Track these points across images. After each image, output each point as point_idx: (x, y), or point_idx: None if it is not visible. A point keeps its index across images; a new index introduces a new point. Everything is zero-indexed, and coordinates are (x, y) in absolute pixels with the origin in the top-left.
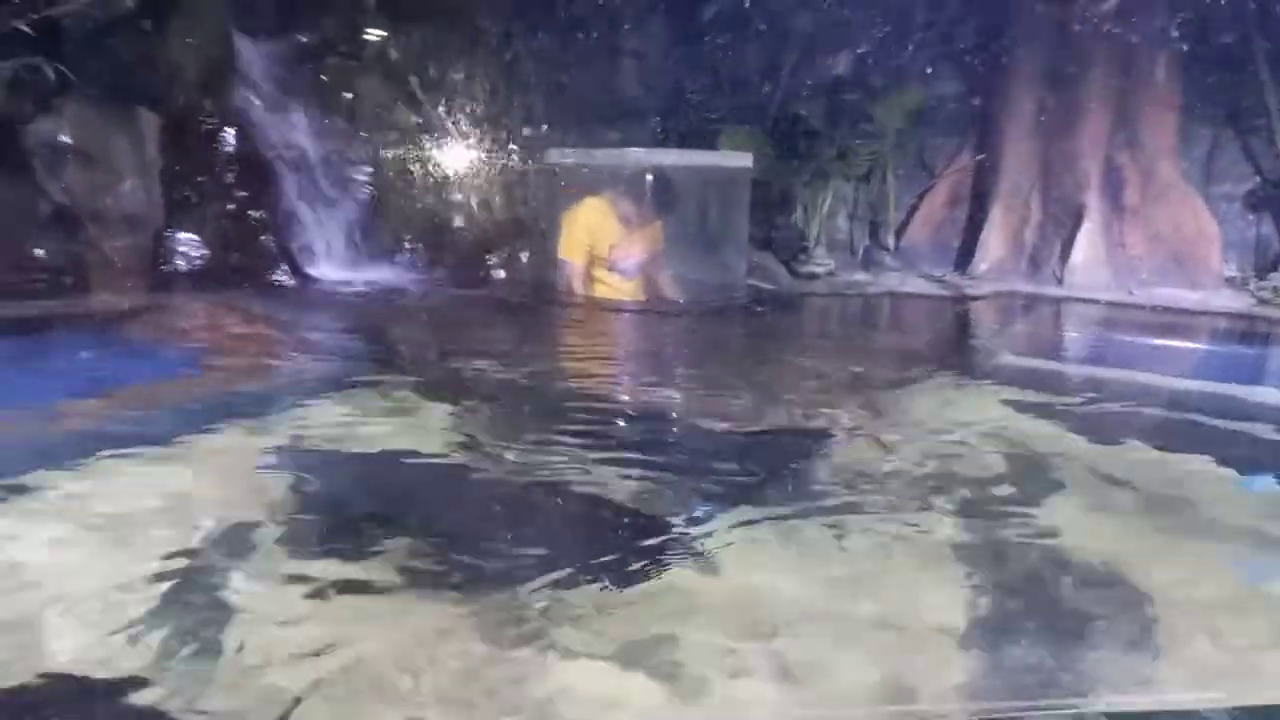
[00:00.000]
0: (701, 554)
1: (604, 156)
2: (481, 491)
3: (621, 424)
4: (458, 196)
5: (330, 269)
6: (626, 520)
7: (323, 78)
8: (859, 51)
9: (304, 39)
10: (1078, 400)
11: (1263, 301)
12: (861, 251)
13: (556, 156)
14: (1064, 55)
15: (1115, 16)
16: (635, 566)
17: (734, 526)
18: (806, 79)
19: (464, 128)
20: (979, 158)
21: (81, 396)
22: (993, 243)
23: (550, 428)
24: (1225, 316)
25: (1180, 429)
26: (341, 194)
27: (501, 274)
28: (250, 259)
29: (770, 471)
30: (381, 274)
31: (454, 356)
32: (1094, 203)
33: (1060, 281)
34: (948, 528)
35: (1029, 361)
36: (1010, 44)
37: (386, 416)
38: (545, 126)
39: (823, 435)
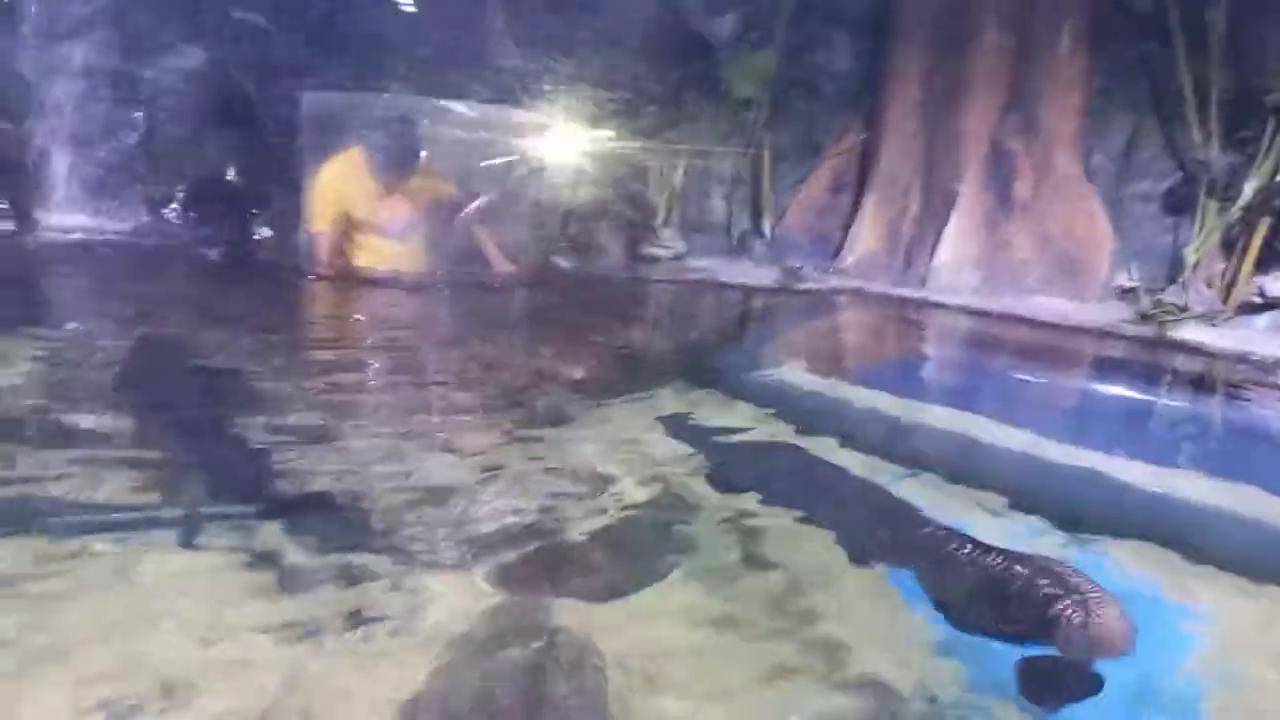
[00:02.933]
0: None
1: (362, 101)
2: None
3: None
4: (236, 146)
5: (71, 216)
6: None
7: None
8: (738, 14)
9: None
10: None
11: (1143, 317)
12: (737, 237)
13: (311, 102)
14: (956, 18)
15: None
16: None
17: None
18: (667, 43)
19: (252, 67)
20: (862, 138)
21: None
22: (864, 235)
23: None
24: (1089, 334)
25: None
26: (103, 136)
27: (268, 235)
28: None
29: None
30: (132, 225)
31: (93, 318)
32: (972, 194)
33: (924, 282)
34: (464, 599)
35: (795, 375)
36: (899, 3)
37: None
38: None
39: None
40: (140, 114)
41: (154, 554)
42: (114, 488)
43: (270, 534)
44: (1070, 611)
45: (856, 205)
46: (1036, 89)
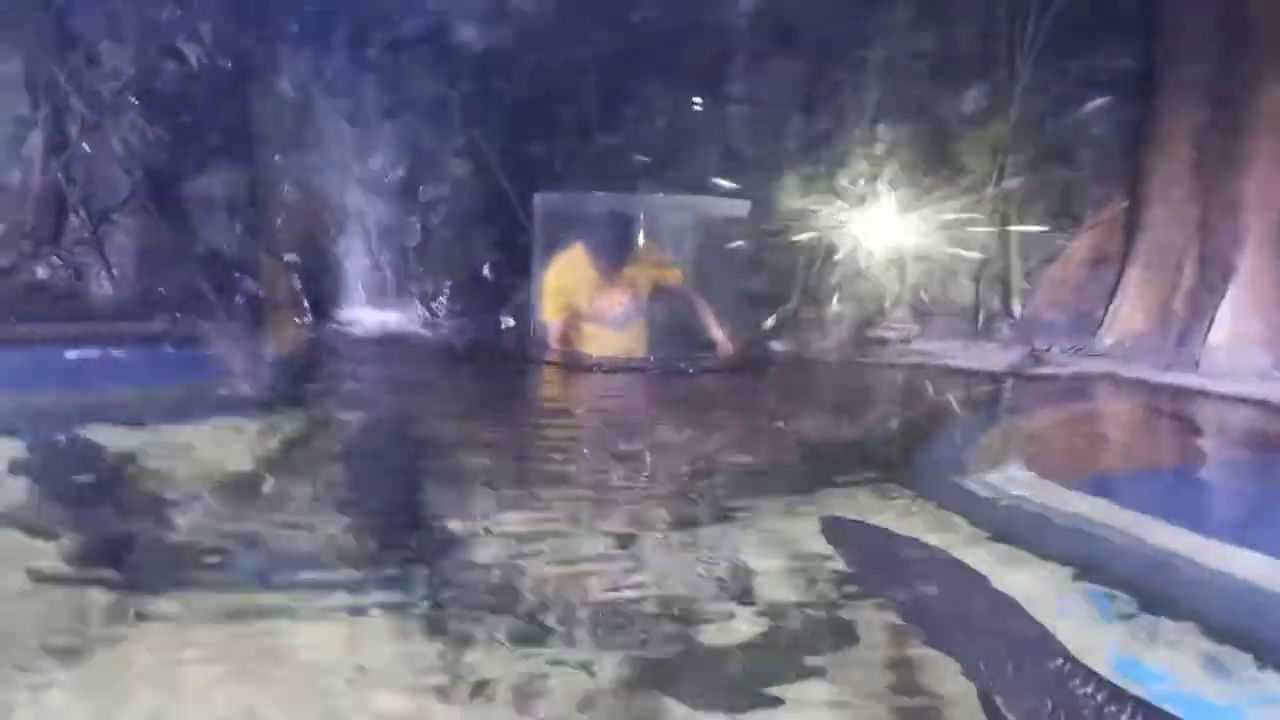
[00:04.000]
0: None
1: (586, 199)
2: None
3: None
4: (487, 244)
5: (357, 311)
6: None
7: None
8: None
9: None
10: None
11: None
12: (983, 318)
13: (542, 202)
14: (1231, 69)
15: None
16: None
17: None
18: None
19: (513, 173)
20: (1124, 206)
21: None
22: (1126, 312)
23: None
24: None
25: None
26: (386, 242)
27: (510, 324)
28: (281, 297)
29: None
30: (402, 319)
31: (343, 400)
32: (1258, 264)
33: (1198, 366)
34: (584, 684)
35: (1009, 479)
36: (1166, 56)
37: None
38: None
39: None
40: (416, 220)
41: (326, 613)
42: (305, 552)
43: (422, 603)
44: None
45: (1119, 280)
46: None
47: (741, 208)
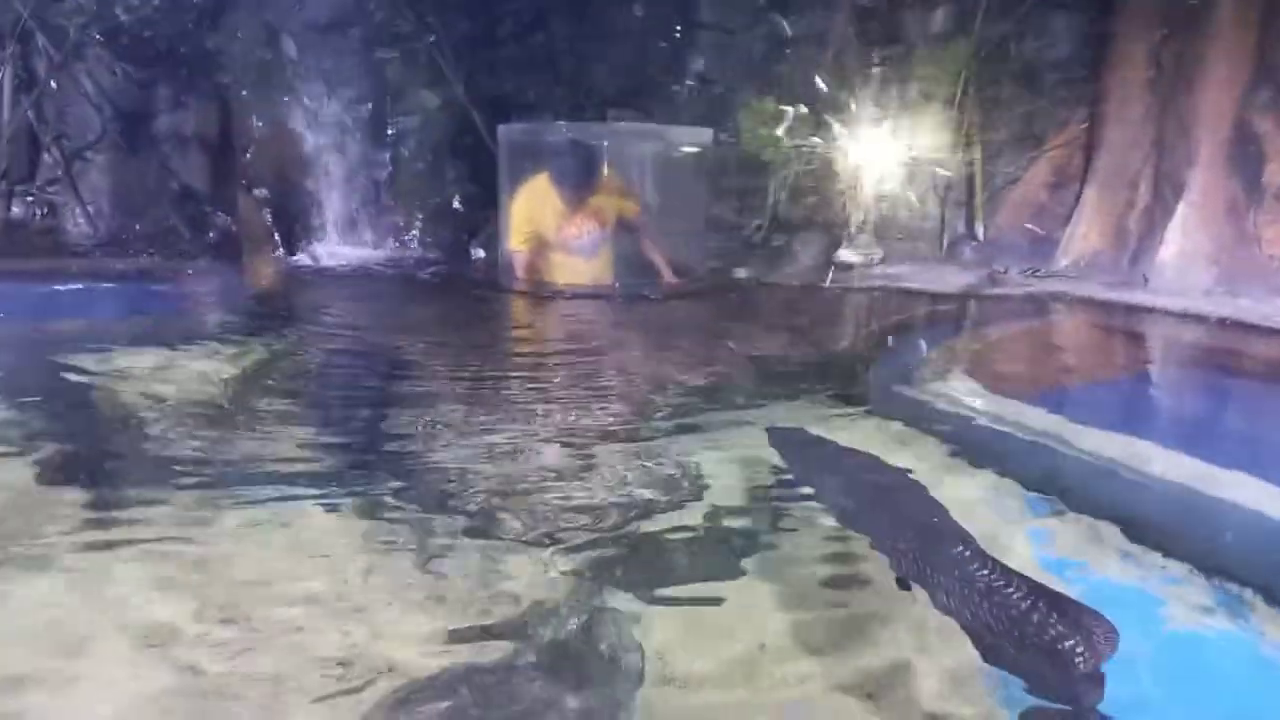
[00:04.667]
0: None
1: (548, 129)
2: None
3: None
4: (458, 177)
5: (329, 244)
6: None
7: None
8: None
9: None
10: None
11: None
12: (948, 241)
13: (506, 133)
14: None
15: None
16: None
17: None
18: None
19: (484, 104)
20: (1083, 126)
21: None
22: (1083, 232)
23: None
24: None
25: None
26: (356, 175)
27: (481, 254)
28: (253, 231)
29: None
30: (374, 253)
31: (314, 328)
32: (1210, 181)
33: (1145, 283)
34: (534, 572)
35: (956, 391)
36: None
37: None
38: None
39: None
40: (387, 154)
41: (300, 513)
42: (277, 458)
43: (387, 501)
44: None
45: (1077, 200)
46: None
47: (705, 135)
